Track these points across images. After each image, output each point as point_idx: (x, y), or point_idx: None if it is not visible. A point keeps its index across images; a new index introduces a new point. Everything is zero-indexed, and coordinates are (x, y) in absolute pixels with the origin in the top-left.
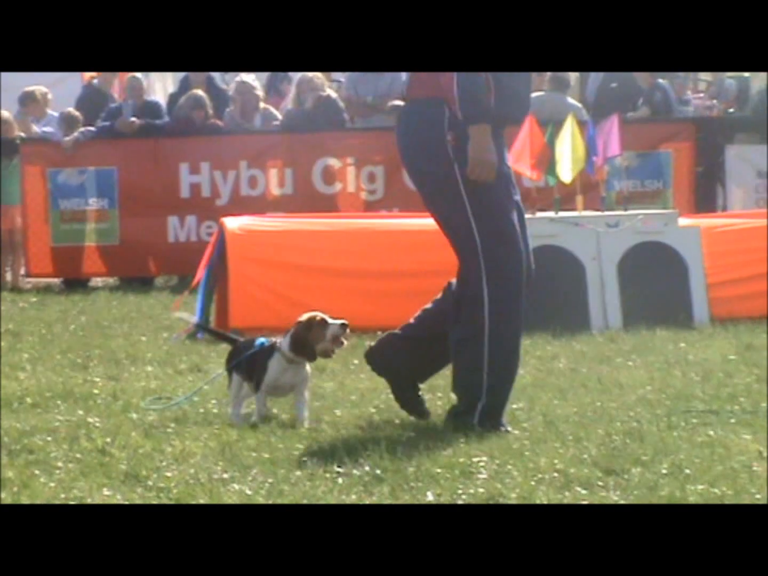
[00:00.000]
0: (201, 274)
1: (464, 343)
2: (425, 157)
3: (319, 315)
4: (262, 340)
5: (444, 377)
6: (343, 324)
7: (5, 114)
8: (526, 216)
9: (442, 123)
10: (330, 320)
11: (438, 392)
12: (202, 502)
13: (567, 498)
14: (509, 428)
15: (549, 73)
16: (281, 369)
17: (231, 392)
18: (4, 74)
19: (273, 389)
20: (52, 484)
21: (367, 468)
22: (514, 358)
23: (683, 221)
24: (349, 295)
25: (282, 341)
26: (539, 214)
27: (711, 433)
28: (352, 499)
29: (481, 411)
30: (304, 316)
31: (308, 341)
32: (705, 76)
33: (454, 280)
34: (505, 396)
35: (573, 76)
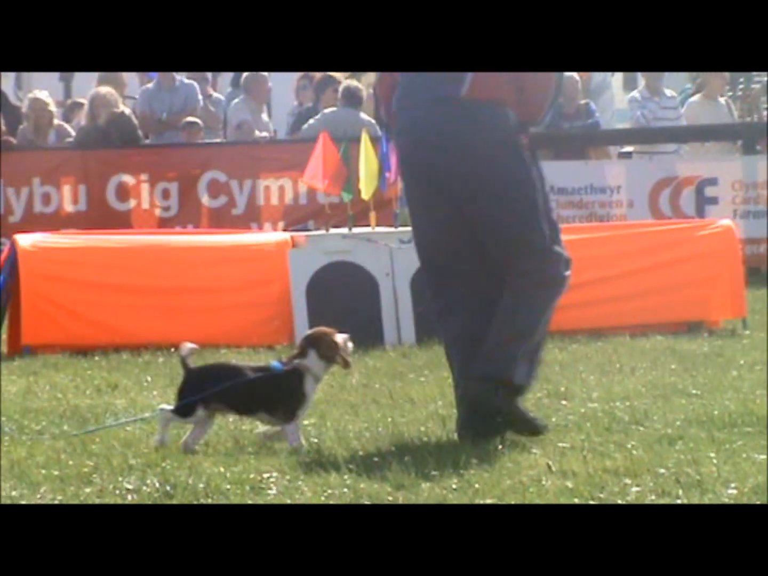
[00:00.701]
0: None
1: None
2: (498, 157)
3: (324, 329)
4: (275, 363)
5: None
6: (347, 335)
7: None
8: (320, 232)
9: (512, 125)
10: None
11: None
12: None
13: None
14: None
15: (341, 89)
16: (313, 392)
17: (181, 421)
18: None
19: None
20: None
21: (157, 484)
22: None
23: None
24: (143, 311)
25: (305, 362)
26: (333, 230)
27: (500, 448)
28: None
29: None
30: (313, 332)
31: (338, 351)
32: None
33: None
34: None
35: (366, 93)
